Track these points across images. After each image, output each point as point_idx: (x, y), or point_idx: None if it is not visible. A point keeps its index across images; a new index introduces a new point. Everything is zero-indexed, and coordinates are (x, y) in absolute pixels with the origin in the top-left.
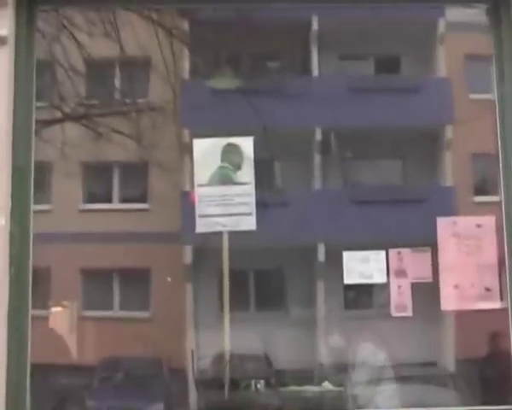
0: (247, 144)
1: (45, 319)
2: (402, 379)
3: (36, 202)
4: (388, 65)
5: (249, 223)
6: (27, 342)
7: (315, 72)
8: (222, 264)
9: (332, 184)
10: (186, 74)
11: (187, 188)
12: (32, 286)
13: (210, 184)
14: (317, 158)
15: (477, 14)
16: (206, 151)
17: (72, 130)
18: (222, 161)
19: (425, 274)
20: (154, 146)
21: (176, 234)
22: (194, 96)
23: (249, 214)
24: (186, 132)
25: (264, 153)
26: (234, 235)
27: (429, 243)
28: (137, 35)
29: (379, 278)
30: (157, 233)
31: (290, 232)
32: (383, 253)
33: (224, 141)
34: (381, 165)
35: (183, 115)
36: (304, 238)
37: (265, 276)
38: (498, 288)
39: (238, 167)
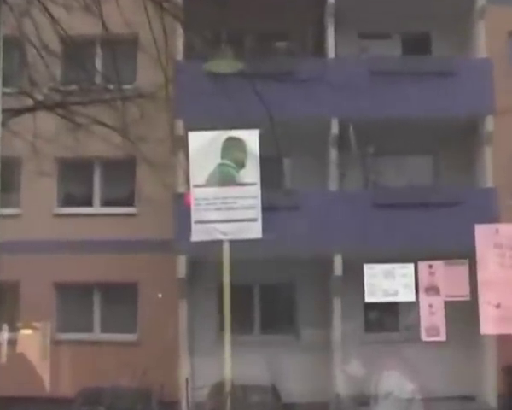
0: (251, 138)
1: (13, 343)
2: None
3: (2, 205)
4: (417, 44)
5: (254, 230)
6: None
7: (331, 53)
8: (222, 278)
9: (351, 185)
10: (180, 56)
11: (181, 189)
12: None
13: (208, 184)
14: (333, 154)
15: None
16: (204, 146)
17: (46, 120)
18: (222, 157)
19: (461, 291)
20: (143, 140)
21: (168, 243)
22: (189, 81)
23: (254, 220)
24: (180, 124)
25: (272, 148)
26: (236, 244)
27: (466, 254)
28: (122, 9)
29: (406, 295)
30: (146, 241)
31: (302, 241)
32: (411, 266)
33: (224, 134)
34: (408, 162)
35: (176, 104)
36: (318, 248)
37: (273, 292)
38: None
39: (241, 165)
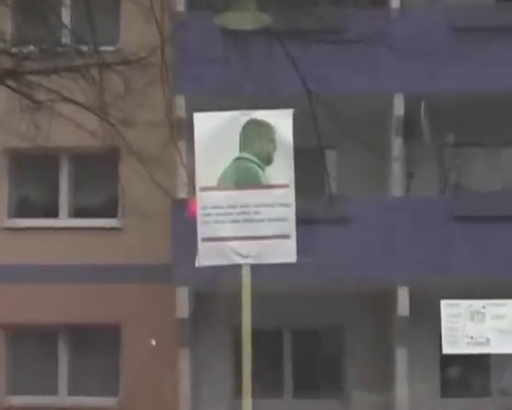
0: (282, 122)
1: None
2: None
3: None
4: None
5: (286, 252)
6: None
7: (394, 2)
8: (240, 319)
9: (421, 189)
10: (181, 5)
11: (182, 194)
12: None
13: (221, 186)
14: (397, 145)
15: None
16: (216, 133)
17: None
18: (242, 148)
19: None
20: (129, 124)
21: (164, 269)
22: (194, 41)
23: (286, 237)
24: (181, 102)
25: (311, 136)
26: (260, 271)
27: None
28: None
29: (501, 345)
30: (132, 267)
31: (352, 268)
32: (509, 304)
33: (244, 116)
34: (504, 157)
35: (176, 74)
36: (375, 278)
37: (311, 340)
38: None
39: (267, 160)
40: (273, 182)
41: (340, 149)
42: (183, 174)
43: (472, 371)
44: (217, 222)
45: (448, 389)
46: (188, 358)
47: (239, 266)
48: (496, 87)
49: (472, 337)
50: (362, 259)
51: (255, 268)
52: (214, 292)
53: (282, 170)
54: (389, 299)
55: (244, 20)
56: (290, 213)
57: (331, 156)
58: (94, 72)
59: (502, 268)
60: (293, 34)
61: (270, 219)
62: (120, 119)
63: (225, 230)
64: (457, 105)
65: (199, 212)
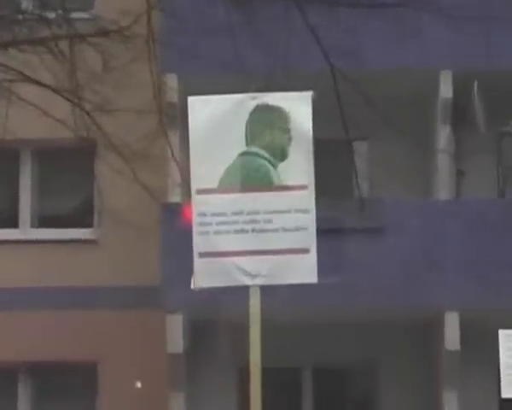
0: (299, 107)
1: None
2: None
3: None
4: None
5: (305, 269)
6: None
7: None
8: (247, 355)
9: (475, 190)
10: None
11: (174, 197)
12: None
13: (223, 188)
14: (444, 134)
15: None
16: (216, 121)
17: None
18: (249, 141)
19: None
20: (108, 110)
21: (151, 292)
22: (188, 6)
23: (305, 251)
24: (173, 81)
25: (337, 125)
26: (273, 294)
27: None
28: None
29: None
30: (112, 290)
31: (389, 289)
32: None
33: (251, 100)
34: None
35: (166, 46)
36: (417, 301)
37: (337, 380)
38: None
39: (281, 155)
40: (288, 182)
41: (372, 140)
42: (175, 173)
43: None
44: (218, 233)
45: None
46: (182, 403)
47: (246, 288)
48: None
49: None
50: (400, 278)
51: (266, 290)
52: (215, 321)
53: (299, 167)
54: (435, 328)
55: None
56: (310, 221)
57: (361, 150)
58: (63, 45)
59: None
60: None
61: (285, 229)
62: (97, 104)
63: (229, 242)
64: None
65: (195, 220)
